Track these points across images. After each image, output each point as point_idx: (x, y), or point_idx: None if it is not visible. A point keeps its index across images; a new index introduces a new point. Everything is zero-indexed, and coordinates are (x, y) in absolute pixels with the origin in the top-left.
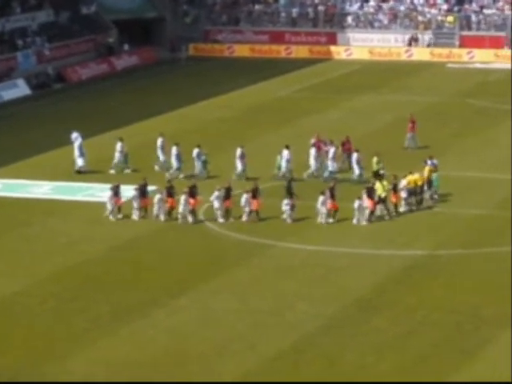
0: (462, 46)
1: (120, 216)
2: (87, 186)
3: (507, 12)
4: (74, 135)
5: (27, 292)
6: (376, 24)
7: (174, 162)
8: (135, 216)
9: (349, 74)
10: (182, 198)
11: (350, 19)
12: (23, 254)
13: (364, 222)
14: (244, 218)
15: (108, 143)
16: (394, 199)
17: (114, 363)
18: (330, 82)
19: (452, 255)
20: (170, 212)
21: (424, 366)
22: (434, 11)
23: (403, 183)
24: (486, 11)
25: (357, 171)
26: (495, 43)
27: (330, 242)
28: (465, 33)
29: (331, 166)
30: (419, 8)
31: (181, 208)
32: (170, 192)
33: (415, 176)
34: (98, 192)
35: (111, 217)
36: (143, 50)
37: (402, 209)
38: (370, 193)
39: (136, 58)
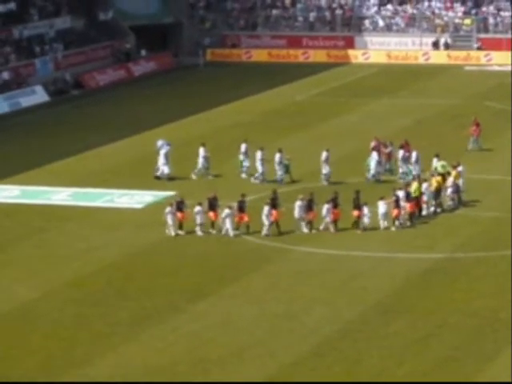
0: (479, 48)
1: (181, 232)
2: (106, 192)
3: None
4: (160, 143)
5: (46, 298)
6: (393, 27)
7: (258, 167)
8: (199, 231)
9: (366, 77)
10: (266, 208)
11: (367, 23)
12: (42, 260)
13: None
14: (322, 227)
15: (126, 149)
16: (409, 208)
17: (134, 368)
18: (347, 86)
19: (470, 258)
20: (238, 227)
21: (443, 370)
22: (451, 14)
23: (425, 186)
24: (503, 13)
25: (414, 171)
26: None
27: (348, 246)
28: (482, 35)
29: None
30: (436, 11)
31: (265, 220)
32: (242, 206)
33: (438, 178)
34: (117, 198)
35: (172, 232)
36: (161, 55)
37: (424, 212)
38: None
39: (153, 64)
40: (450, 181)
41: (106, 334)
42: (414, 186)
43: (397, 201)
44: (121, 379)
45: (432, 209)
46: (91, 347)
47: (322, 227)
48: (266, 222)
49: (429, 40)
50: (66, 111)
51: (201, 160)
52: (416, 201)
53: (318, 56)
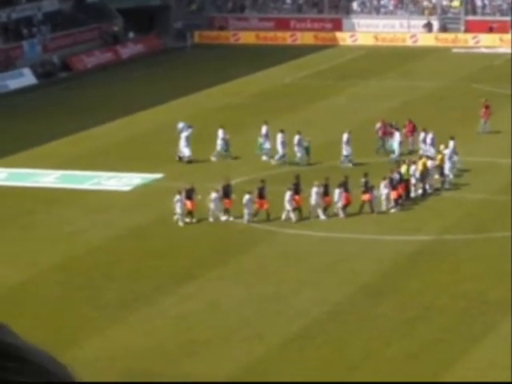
0: (467, 30)
1: (188, 220)
2: (94, 175)
3: None
4: (180, 125)
5: (33, 281)
6: (381, 10)
7: (279, 149)
8: (217, 218)
9: (354, 59)
10: (288, 193)
11: (355, 5)
12: (29, 243)
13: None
14: (339, 212)
15: (114, 131)
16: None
17: (121, 351)
18: (335, 68)
19: (458, 240)
20: (256, 214)
21: (431, 351)
22: None
23: (413, 168)
24: None
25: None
26: (500, 28)
27: (336, 228)
28: (470, 18)
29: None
30: None
31: (287, 205)
32: (261, 192)
33: (424, 160)
34: (105, 180)
35: (180, 222)
36: (148, 38)
37: (412, 194)
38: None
39: (141, 46)
40: (430, 163)
41: (93, 317)
42: (404, 168)
43: (392, 182)
44: (108, 362)
45: (420, 191)
46: (78, 330)
47: (335, 212)
48: (288, 207)
49: (417, 22)
50: (53, 94)
51: (219, 142)
52: (405, 183)
53: (305, 38)
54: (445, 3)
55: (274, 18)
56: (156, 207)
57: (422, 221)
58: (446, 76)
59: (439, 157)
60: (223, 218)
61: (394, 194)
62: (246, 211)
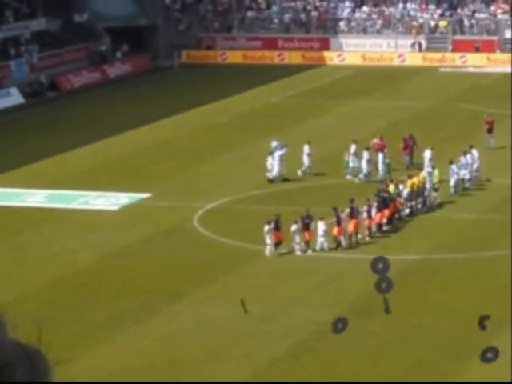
0: (454, 50)
1: (275, 253)
2: (81, 194)
3: (499, 16)
4: (274, 144)
5: (21, 300)
6: (369, 29)
7: (364, 167)
8: (298, 251)
9: (342, 79)
10: (321, 223)
11: (342, 25)
12: (16, 262)
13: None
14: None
15: (102, 151)
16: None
17: (109, 370)
18: (323, 88)
19: (446, 259)
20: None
21: (419, 371)
22: (426, 16)
23: (401, 187)
24: (478, 15)
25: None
26: (488, 47)
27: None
28: (457, 37)
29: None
30: (412, 13)
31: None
32: (353, 214)
33: (414, 180)
34: (93, 200)
35: (267, 253)
36: (136, 57)
37: (403, 213)
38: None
39: (129, 66)
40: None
41: (82, 336)
42: (392, 187)
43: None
44: (95, 380)
45: (407, 210)
46: (66, 349)
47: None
48: (322, 239)
49: (404, 42)
50: (41, 113)
51: (306, 158)
52: (393, 203)
53: (293, 58)
54: (432, 23)
55: (262, 37)
56: (143, 227)
57: (410, 240)
58: (434, 95)
59: (420, 176)
60: (298, 252)
61: (386, 213)
62: (297, 240)
